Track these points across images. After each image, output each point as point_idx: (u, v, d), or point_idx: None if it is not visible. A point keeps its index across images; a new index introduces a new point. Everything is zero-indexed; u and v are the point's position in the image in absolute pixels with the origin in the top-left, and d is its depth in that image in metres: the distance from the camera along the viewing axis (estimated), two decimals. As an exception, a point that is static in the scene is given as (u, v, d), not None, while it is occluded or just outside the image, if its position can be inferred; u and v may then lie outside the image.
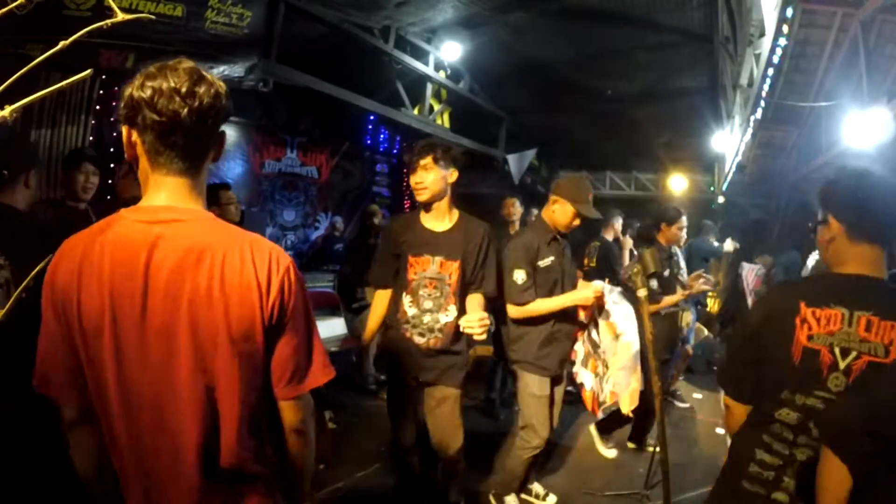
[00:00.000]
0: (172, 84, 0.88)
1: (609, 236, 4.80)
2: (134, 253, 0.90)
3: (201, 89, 0.91)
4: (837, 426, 1.08)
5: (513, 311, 2.46)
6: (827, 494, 1.05)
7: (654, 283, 2.98)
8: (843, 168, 1.32)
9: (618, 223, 4.87)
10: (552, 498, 2.85)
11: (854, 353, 1.13)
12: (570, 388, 2.88)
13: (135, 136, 0.93)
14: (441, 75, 6.88)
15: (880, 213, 1.22)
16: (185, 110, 0.89)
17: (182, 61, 0.92)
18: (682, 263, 3.89)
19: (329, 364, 1.04)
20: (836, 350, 1.15)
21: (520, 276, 2.39)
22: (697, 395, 4.80)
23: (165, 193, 0.94)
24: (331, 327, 3.43)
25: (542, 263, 2.46)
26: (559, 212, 2.51)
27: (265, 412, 1.00)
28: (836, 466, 1.03)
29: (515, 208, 4.48)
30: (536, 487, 2.86)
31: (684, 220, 3.51)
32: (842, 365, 1.14)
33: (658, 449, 2.29)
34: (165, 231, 0.91)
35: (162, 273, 0.90)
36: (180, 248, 0.91)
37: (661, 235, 3.52)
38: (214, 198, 3.09)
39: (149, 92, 0.88)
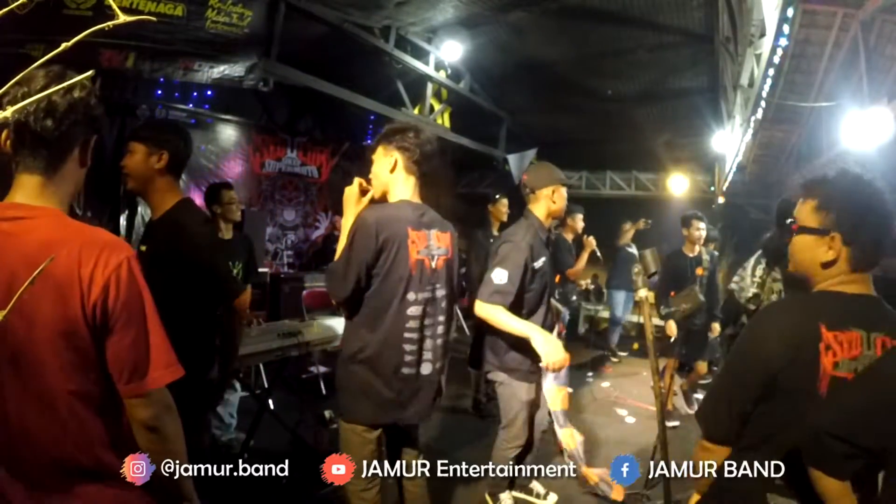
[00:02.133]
0: (28, 87, 0.92)
1: (568, 236, 4.72)
2: None
3: (55, 93, 0.94)
4: (807, 437, 1.04)
5: (477, 306, 2.26)
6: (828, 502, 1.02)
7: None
8: (846, 173, 1.15)
9: (578, 221, 4.71)
10: (552, 497, 2.85)
11: None
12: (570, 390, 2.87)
13: (3, 136, 0.98)
14: (441, 75, 6.88)
15: (887, 242, 1.11)
16: (35, 113, 0.93)
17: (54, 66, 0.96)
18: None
19: (174, 364, 1.03)
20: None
21: (502, 275, 2.22)
22: (697, 396, 4.80)
23: (21, 191, 0.99)
24: (331, 327, 3.45)
25: (537, 265, 2.37)
26: (559, 198, 2.47)
27: (122, 413, 1.02)
28: (819, 477, 1.01)
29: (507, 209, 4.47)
30: (536, 487, 2.86)
31: None
32: None
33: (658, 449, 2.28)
34: (11, 228, 0.95)
35: (2, 269, 0.93)
36: (22, 244, 0.94)
37: None
38: (216, 197, 3.08)
39: (11, 93, 0.91)
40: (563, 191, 2.49)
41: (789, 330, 1.11)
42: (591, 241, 4.63)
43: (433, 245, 1.89)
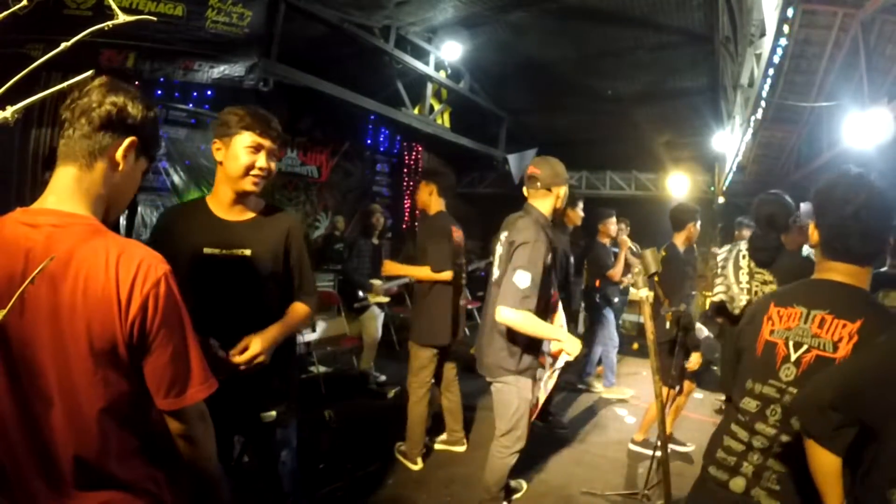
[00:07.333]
0: (73, 89, 0.99)
1: (605, 241, 4.81)
2: (12, 259, 0.91)
3: (94, 95, 0.98)
4: (802, 407, 1.13)
5: (504, 312, 2.14)
6: (819, 477, 1.09)
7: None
8: (843, 174, 1.26)
9: (610, 226, 4.78)
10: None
11: (805, 347, 1.23)
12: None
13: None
14: (441, 75, 6.87)
15: (860, 241, 1.21)
16: (71, 109, 0.98)
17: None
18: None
19: (209, 378, 1.05)
20: (791, 343, 1.26)
21: (525, 279, 2.12)
22: (698, 395, 4.80)
23: (54, 193, 0.98)
24: (331, 327, 3.45)
25: (548, 261, 2.29)
26: (564, 197, 2.47)
27: (149, 420, 1.02)
28: (815, 449, 1.08)
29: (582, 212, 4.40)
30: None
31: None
32: (793, 357, 1.24)
33: (658, 449, 2.28)
34: (42, 238, 0.92)
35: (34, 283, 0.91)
36: (51, 256, 0.91)
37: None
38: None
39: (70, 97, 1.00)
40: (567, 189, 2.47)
41: (752, 307, 1.44)
42: (627, 241, 4.76)
43: (461, 238, 3.32)
